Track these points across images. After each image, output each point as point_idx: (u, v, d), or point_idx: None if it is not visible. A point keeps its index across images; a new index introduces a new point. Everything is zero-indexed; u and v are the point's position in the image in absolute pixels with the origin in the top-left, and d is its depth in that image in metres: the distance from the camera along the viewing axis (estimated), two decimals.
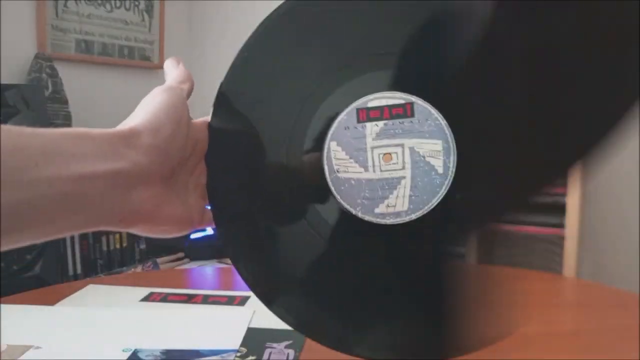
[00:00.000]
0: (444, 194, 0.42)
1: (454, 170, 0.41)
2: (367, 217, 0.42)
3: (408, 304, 0.44)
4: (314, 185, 0.43)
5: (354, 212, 0.42)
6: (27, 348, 0.59)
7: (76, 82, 2.26)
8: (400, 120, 0.41)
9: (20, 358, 0.57)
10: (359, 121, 0.42)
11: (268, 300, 0.44)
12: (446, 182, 0.41)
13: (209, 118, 0.44)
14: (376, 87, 0.42)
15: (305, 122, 0.42)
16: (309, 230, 0.43)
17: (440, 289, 0.43)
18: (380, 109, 0.41)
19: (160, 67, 2.61)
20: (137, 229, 0.39)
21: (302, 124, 0.43)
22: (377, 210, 0.42)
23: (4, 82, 1.95)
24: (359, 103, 0.42)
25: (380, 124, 0.42)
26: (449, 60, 0.41)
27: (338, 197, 0.42)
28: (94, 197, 0.34)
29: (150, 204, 0.38)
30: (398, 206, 0.42)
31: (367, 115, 0.42)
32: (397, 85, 0.41)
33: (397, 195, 0.42)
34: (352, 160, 0.42)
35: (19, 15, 2.16)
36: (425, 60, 0.41)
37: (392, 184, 0.42)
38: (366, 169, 0.42)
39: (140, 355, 0.58)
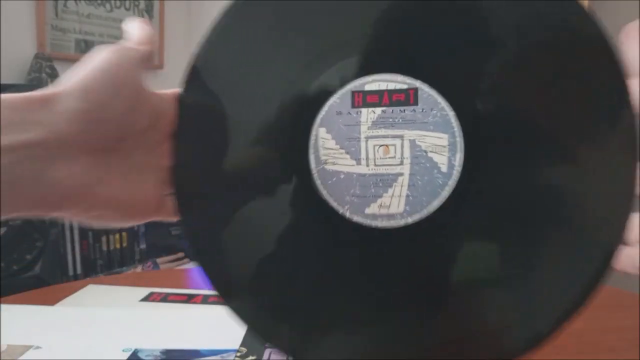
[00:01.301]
0: (446, 196, 0.36)
1: (460, 169, 0.36)
2: (355, 218, 0.37)
3: (381, 316, 0.38)
4: (297, 177, 0.37)
5: (341, 210, 0.37)
6: (27, 348, 0.59)
7: None
8: (401, 108, 0.36)
9: (20, 358, 0.57)
10: (353, 106, 0.36)
11: (228, 299, 0.38)
12: (449, 183, 0.36)
13: (176, 90, 0.38)
14: (376, 68, 0.36)
15: (291, 104, 0.37)
16: (287, 230, 0.38)
17: (425, 304, 0.37)
18: (378, 93, 0.36)
19: (160, 67, 2.60)
20: (66, 212, 0.33)
21: (287, 105, 0.37)
22: (367, 211, 0.37)
23: (3, 82, 1.97)
24: (355, 85, 0.36)
25: (378, 110, 0.36)
26: (464, 41, 0.36)
27: (324, 192, 0.37)
28: (4, 176, 0.29)
29: (77, 182, 0.32)
30: (392, 207, 0.36)
31: (363, 99, 0.36)
32: (400, 67, 0.36)
33: (393, 195, 0.36)
34: (342, 151, 0.36)
35: (18, 15, 2.17)
36: (434, 40, 0.36)
37: (387, 181, 0.36)
38: (358, 162, 0.36)
39: (140, 355, 0.59)
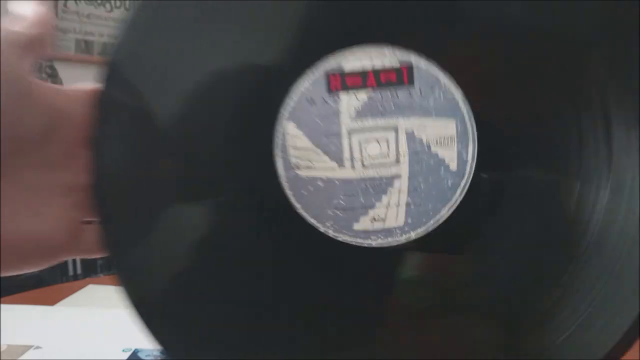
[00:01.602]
0: (457, 201, 0.28)
1: (473, 166, 0.27)
2: (341, 237, 0.28)
3: None
4: (260, 189, 0.28)
5: (322, 228, 0.28)
6: (27, 348, 0.59)
7: (76, 82, 2.20)
8: (393, 90, 0.27)
9: (20, 358, 0.56)
10: (330, 92, 0.27)
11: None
12: (461, 184, 0.28)
13: (84, 86, 0.29)
14: (356, 39, 0.27)
15: (243, 94, 0.28)
16: (251, 257, 0.29)
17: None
18: (362, 74, 0.27)
19: None
20: None
21: (236, 96, 0.28)
22: (357, 226, 0.28)
23: None
24: (330, 64, 0.27)
25: (363, 96, 0.27)
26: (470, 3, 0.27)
27: (298, 206, 0.28)
28: None
29: None
30: (389, 219, 0.28)
31: (342, 82, 0.27)
32: (388, 36, 0.27)
33: (389, 204, 0.28)
34: (319, 151, 0.28)
35: None
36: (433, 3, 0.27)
37: (380, 187, 0.28)
38: (341, 164, 0.28)
39: (140, 355, 0.58)
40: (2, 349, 0.58)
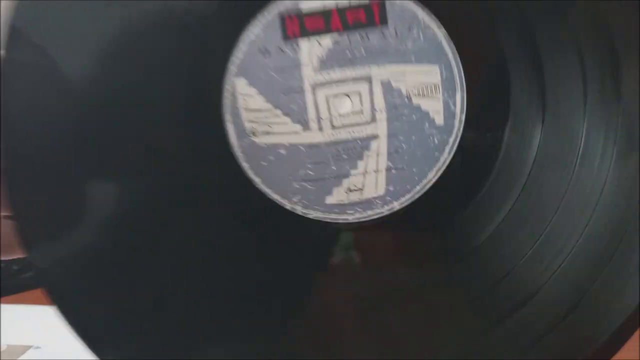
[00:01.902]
0: (447, 162, 0.23)
1: (463, 118, 0.23)
2: (312, 213, 0.24)
3: None
4: (208, 162, 0.24)
5: (288, 205, 0.24)
6: (27, 348, 0.58)
7: None
8: (363, 32, 0.22)
9: (20, 358, 0.56)
10: (286, 38, 0.22)
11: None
12: (450, 141, 0.23)
13: None
14: None
15: (177, 46, 0.23)
16: (203, 246, 0.24)
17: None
18: (323, 13, 0.22)
19: None
20: None
21: (169, 50, 0.23)
22: (330, 200, 0.24)
23: None
24: (285, 4, 0.22)
25: (327, 41, 0.22)
26: None
27: (257, 180, 0.23)
28: None
29: None
30: (368, 189, 0.24)
31: (300, 26, 0.22)
32: None
33: (366, 170, 0.23)
34: (279, 112, 0.23)
35: None
36: None
37: (355, 151, 0.23)
38: (306, 126, 0.23)
39: None
40: (2, 349, 0.57)
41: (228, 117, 0.23)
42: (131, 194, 0.23)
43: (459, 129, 0.23)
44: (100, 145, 0.23)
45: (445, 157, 0.23)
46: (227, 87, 0.23)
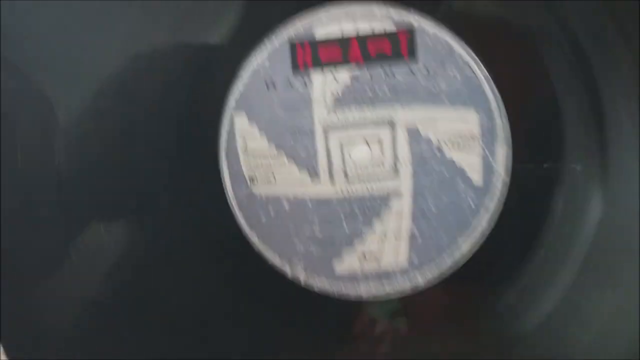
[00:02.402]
0: (485, 231, 0.19)
1: (507, 178, 0.19)
2: (317, 283, 0.20)
3: None
4: (197, 212, 0.20)
5: (289, 272, 0.20)
6: None
7: None
8: (387, 67, 0.19)
9: None
10: (296, 69, 0.19)
11: None
12: (490, 206, 0.19)
13: None
14: None
15: (169, 75, 0.19)
16: (189, 311, 0.20)
17: None
18: (341, 42, 0.19)
19: None
20: None
21: (159, 81, 0.20)
22: (339, 268, 0.19)
23: None
24: (296, 29, 0.19)
25: (344, 75, 0.19)
26: None
27: (254, 238, 0.19)
28: None
29: None
30: (386, 258, 0.19)
31: (314, 55, 0.19)
32: None
33: (385, 235, 0.19)
34: (283, 156, 0.19)
35: None
36: None
37: (372, 210, 0.19)
38: (315, 177, 0.19)
39: None
40: (2, 349, 0.60)
41: (223, 160, 0.19)
42: (117, 244, 0.20)
43: (500, 192, 0.19)
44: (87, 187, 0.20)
45: (483, 226, 0.19)
46: (224, 124, 0.19)
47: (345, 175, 0.19)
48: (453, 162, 0.19)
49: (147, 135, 0.20)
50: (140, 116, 0.19)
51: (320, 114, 0.19)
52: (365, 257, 0.19)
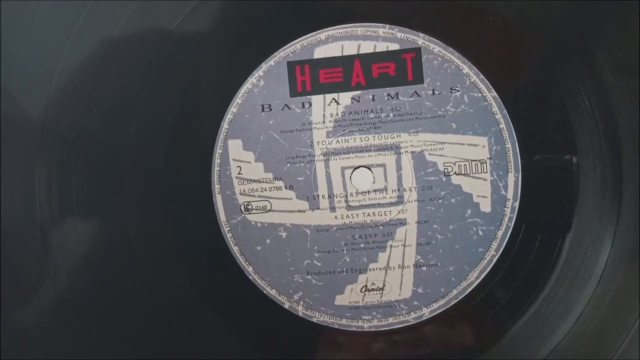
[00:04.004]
0: (493, 263, 0.18)
1: (516, 206, 0.18)
2: (316, 316, 0.19)
3: None
4: (191, 242, 0.19)
5: (286, 303, 0.18)
6: None
7: None
8: (392, 90, 0.18)
9: None
10: (294, 92, 0.18)
11: None
12: (498, 235, 0.18)
13: None
14: (334, 14, 0.18)
15: (159, 104, 0.18)
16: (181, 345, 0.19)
17: None
18: (343, 62, 0.18)
19: None
20: None
21: (149, 107, 0.18)
22: (340, 300, 0.19)
23: None
24: (294, 50, 0.18)
25: (345, 98, 0.18)
26: None
27: (249, 269, 0.18)
28: None
29: None
30: (390, 289, 0.19)
31: (313, 77, 0.18)
32: (385, 10, 0.18)
33: (388, 265, 0.18)
34: (280, 184, 0.18)
35: None
36: None
37: (375, 239, 0.18)
38: (314, 204, 0.18)
39: None
40: None
41: (217, 188, 0.18)
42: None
43: (510, 220, 0.18)
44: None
45: (492, 254, 0.18)
46: (217, 151, 0.18)
47: (347, 203, 0.18)
48: (460, 188, 0.18)
49: (136, 161, 0.18)
50: (130, 140, 0.18)
51: (320, 137, 0.18)
52: (367, 288, 0.19)
